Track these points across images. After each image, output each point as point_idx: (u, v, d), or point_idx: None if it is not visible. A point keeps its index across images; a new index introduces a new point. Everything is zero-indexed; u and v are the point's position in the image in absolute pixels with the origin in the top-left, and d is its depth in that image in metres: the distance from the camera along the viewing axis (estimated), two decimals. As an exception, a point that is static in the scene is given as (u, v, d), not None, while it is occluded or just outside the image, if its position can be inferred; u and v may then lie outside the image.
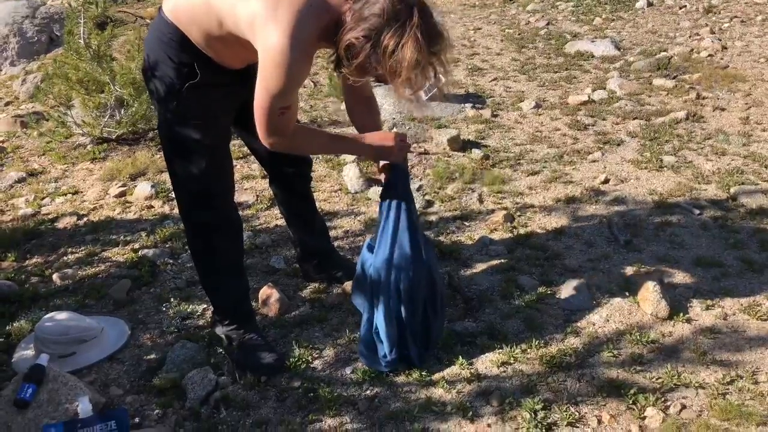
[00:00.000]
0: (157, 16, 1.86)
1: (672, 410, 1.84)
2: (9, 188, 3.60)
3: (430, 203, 3.15)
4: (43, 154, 4.03)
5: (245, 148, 3.72)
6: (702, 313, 2.28)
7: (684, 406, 1.85)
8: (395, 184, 1.98)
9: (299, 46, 1.61)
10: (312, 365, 2.09)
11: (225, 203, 2.04)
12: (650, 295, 2.27)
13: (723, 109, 4.18)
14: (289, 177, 2.33)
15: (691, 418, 1.82)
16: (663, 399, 1.88)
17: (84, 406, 1.77)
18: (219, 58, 1.83)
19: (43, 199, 3.43)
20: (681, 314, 2.25)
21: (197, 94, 1.83)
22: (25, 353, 2.15)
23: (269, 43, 1.61)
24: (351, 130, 2.39)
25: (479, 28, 6.46)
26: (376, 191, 2.03)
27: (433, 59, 1.63)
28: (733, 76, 4.75)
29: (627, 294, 2.39)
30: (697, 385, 1.93)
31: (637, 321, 2.24)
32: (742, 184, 3.18)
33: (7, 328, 2.32)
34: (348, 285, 2.44)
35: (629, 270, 2.55)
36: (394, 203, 1.95)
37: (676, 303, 2.31)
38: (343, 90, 2.14)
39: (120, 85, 3.96)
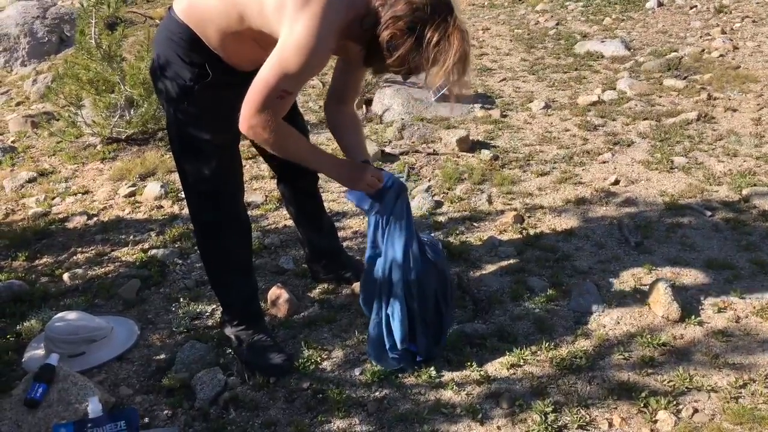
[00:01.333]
0: (167, 16, 1.86)
1: (684, 414, 1.82)
2: (20, 188, 3.62)
3: (439, 204, 3.14)
4: (54, 154, 4.06)
5: (254, 149, 3.74)
6: (714, 316, 2.26)
7: (696, 410, 1.83)
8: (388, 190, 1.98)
9: (326, 35, 1.61)
10: (321, 366, 2.08)
11: (234, 203, 2.04)
12: (661, 297, 2.25)
13: (735, 110, 4.14)
14: (298, 177, 2.32)
15: (704, 421, 1.80)
16: (675, 402, 1.86)
17: (94, 406, 1.77)
18: (230, 59, 1.82)
19: (53, 198, 3.45)
20: (693, 317, 2.23)
21: (207, 94, 1.83)
22: (35, 353, 2.16)
23: (298, 29, 1.60)
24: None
25: (488, 28, 6.44)
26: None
27: (470, 50, 1.66)
28: (745, 76, 4.71)
29: (638, 296, 2.37)
30: (709, 388, 1.91)
31: (648, 323, 2.22)
32: (755, 185, 3.15)
33: (18, 327, 2.34)
34: (357, 286, 2.44)
35: (640, 272, 2.53)
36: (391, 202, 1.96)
37: (688, 305, 2.29)
38: (327, 108, 2.09)
39: (130, 85, 3.98)
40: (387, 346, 2.01)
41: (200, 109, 1.86)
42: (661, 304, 2.24)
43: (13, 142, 4.35)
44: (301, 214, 2.44)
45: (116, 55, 4.02)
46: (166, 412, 1.91)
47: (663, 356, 2.06)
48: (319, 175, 2.44)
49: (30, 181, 3.69)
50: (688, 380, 1.94)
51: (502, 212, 3.03)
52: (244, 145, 3.80)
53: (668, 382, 1.94)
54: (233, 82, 1.85)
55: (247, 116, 1.68)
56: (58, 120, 4.40)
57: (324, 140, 3.73)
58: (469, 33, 1.68)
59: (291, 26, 1.61)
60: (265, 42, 1.73)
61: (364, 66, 1.79)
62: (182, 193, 3.36)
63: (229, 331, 2.15)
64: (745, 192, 3.09)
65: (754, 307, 2.29)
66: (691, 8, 6.62)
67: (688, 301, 2.32)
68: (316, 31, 1.59)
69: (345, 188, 2.09)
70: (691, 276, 2.50)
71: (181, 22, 1.79)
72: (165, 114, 2.01)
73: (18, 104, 5.27)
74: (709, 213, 2.94)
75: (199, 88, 1.82)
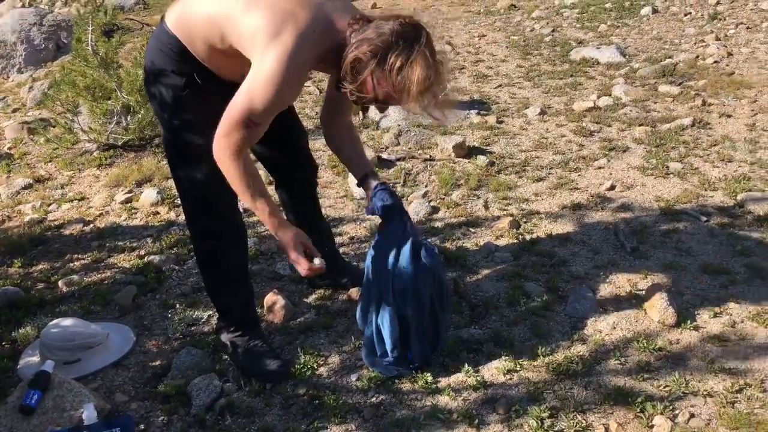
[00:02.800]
0: (159, 26, 1.89)
1: (680, 419, 1.82)
2: (16, 194, 3.62)
3: (435, 209, 3.15)
4: (50, 161, 4.05)
5: (253, 155, 3.73)
6: (710, 321, 2.26)
7: (692, 415, 1.84)
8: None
9: (295, 70, 1.63)
10: (317, 372, 2.08)
11: (229, 209, 2.04)
12: (657, 303, 2.25)
13: (729, 116, 4.16)
14: (296, 182, 2.33)
15: (700, 426, 1.80)
16: (671, 407, 1.86)
17: (89, 413, 1.77)
18: (218, 71, 1.85)
19: (49, 205, 3.45)
20: (688, 322, 2.23)
21: (198, 101, 1.85)
22: (30, 359, 2.16)
23: (267, 59, 1.62)
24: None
25: (484, 35, 6.46)
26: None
27: (440, 80, 1.64)
28: (739, 82, 4.73)
29: (634, 301, 2.38)
30: (705, 393, 1.92)
31: (644, 328, 2.23)
32: (749, 190, 3.16)
33: (13, 334, 2.33)
34: (353, 291, 2.44)
35: (636, 277, 2.53)
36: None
37: (684, 310, 2.30)
38: (324, 120, 2.09)
39: (127, 91, 3.98)
40: (378, 354, 2.02)
41: (191, 115, 1.88)
42: (657, 309, 2.25)
43: (9, 148, 4.34)
44: (298, 218, 2.44)
45: (113, 61, 4.03)
46: (161, 418, 1.91)
47: (659, 361, 2.06)
48: (318, 181, 2.45)
49: (26, 187, 3.69)
50: (684, 385, 1.94)
51: (499, 218, 3.03)
52: (240, 152, 3.80)
53: (664, 387, 1.94)
54: (223, 90, 1.87)
55: (216, 137, 1.71)
56: (54, 127, 4.39)
57: (320, 146, 3.73)
58: (443, 62, 1.66)
59: (261, 58, 1.63)
60: (249, 60, 1.75)
61: (336, 91, 1.77)
62: (178, 199, 3.36)
63: (225, 337, 2.15)
64: (740, 197, 3.10)
65: (750, 312, 2.29)
66: (686, 15, 6.66)
67: (683, 306, 2.33)
68: (284, 66, 1.61)
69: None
70: (686, 281, 2.51)
71: (171, 33, 1.82)
72: (157, 119, 2.03)
73: (14, 111, 5.27)
74: (704, 218, 2.95)
75: (189, 94, 1.84)
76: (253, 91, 1.65)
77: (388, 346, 2.00)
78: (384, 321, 1.99)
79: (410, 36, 1.60)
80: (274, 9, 1.64)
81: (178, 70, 1.83)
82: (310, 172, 2.36)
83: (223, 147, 1.71)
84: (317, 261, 1.84)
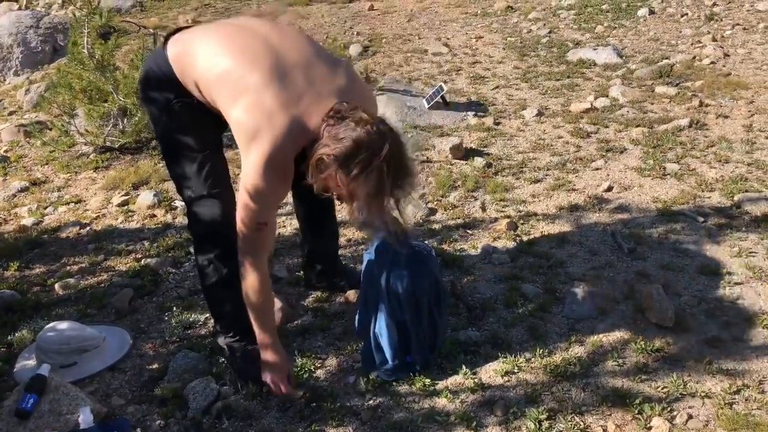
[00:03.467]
0: (160, 50, 1.95)
1: (678, 420, 1.82)
2: (12, 197, 3.60)
3: (432, 211, 3.15)
4: (47, 164, 4.04)
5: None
6: (707, 322, 2.26)
7: (690, 416, 1.84)
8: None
9: (274, 170, 1.71)
10: (315, 375, 2.08)
11: (224, 208, 2.02)
12: (655, 304, 2.25)
13: (726, 117, 4.16)
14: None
15: (698, 427, 1.80)
16: (669, 409, 1.86)
17: (85, 417, 1.76)
18: (205, 104, 1.91)
19: (45, 208, 3.44)
20: (686, 323, 2.23)
21: (188, 112, 1.91)
22: (26, 363, 2.15)
23: (249, 160, 1.71)
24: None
25: (481, 37, 6.46)
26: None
27: (397, 192, 1.70)
28: (736, 83, 4.74)
29: (631, 302, 2.38)
30: (703, 394, 1.92)
31: (642, 329, 2.23)
32: (746, 191, 3.16)
33: (9, 338, 2.32)
34: (351, 294, 2.44)
35: (633, 278, 2.53)
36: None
37: (681, 311, 2.30)
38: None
39: (123, 94, 3.97)
40: (377, 362, 2.02)
41: (181, 121, 1.94)
42: (655, 310, 2.24)
43: (5, 151, 4.32)
44: (310, 213, 2.42)
45: (109, 64, 4.02)
46: (158, 422, 1.90)
47: (657, 362, 2.06)
48: None
49: (22, 190, 3.68)
50: (682, 386, 1.94)
51: (496, 219, 3.03)
52: (237, 154, 3.80)
53: (662, 389, 1.94)
54: (210, 110, 1.90)
55: (240, 254, 1.84)
56: (51, 129, 4.38)
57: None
58: (414, 172, 1.74)
59: (245, 158, 1.73)
60: None
61: (303, 177, 1.78)
62: (175, 202, 3.36)
63: (222, 341, 2.15)
64: (736, 198, 3.10)
65: (747, 314, 2.29)
66: (682, 16, 6.67)
67: (681, 308, 2.33)
68: (265, 172, 1.70)
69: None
70: (684, 282, 2.51)
71: (168, 63, 1.89)
72: (151, 123, 2.07)
73: (11, 114, 5.25)
74: (701, 219, 2.95)
75: (178, 105, 1.91)
76: (245, 197, 1.75)
77: (388, 355, 2.01)
78: (381, 329, 2.00)
79: (374, 145, 1.62)
80: (255, 108, 1.70)
81: (170, 90, 1.91)
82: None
83: (245, 253, 1.84)
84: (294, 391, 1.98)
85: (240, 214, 1.79)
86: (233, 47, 1.82)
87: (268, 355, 1.97)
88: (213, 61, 1.81)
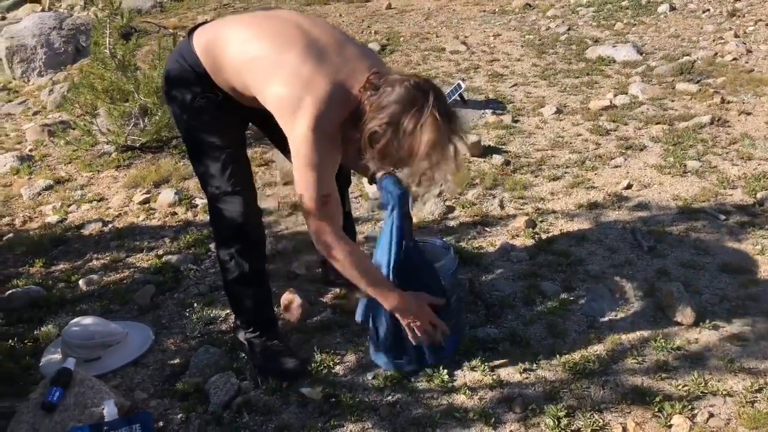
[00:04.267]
0: (186, 42, 1.94)
1: (699, 418, 1.81)
2: (37, 195, 3.67)
3: (450, 209, 3.15)
4: (70, 162, 4.11)
5: (267, 155, 3.77)
6: (728, 320, 2.24)
7: (711, 415, 1.82)
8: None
9: (323, 137, 1.71)
10: (333, 370, 2.09)
11: (246, 205, 2.04)
12: (675, 302, 2.23)
13: (748, 114, 4.11)
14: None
15: (719, 426, 1.79)
16: (690, 407, 1.84)
17: (109, 410, 1.79)
18: (236, 98, 1.92)
19: (69, 206, 3.50)
20: (707, 321, 2.21)
21: (211, 105, 1.91)
22: (52, 357, 2.19)
23: (296, 132, 1.71)
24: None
25: (499, 35, 6.44)
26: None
27: (453, 136, 1.71)
28: (759, 80, 4.67)
29: (651, 300, 2.36)
30: (724, 393, 1.90)
31: (662, 327, 2.21)
32: (769, 188, 3.12)
33: (35, 332, 2.37)
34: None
35: (653, 276, 2.51)
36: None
37: (702, 309, 2.28)
38: None
39: (144, 93, 4.03)
40: (373, 353, 2.05)
41: (206, 117, 1.94)
42: (675, 308, 2.23)
43: (30, 150, 4.41)
44: None
45: (130, 64, 4.08)
46: (180, 416, 1.93)
47: (677, 360, 2.05)
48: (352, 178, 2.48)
49: (47, 188, 3.74)
50: (703, 385, 1.92)
51: (514, 217, 3.02)
52: (257, 152, 3.84)
53: (683, 387, 1.93)
54: (237, 106, 1.92)
55: (313, 227, 1.83)
56: (74, 129, 4.45)
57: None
58: (459, 115, 1.75)
59: (291, 132, 1.73)
60: None
61: (360, 158, 1.81)
62: (196, 200, 3.40)
63: (243, 336, 2.17)
64: (759, 195, 3.06)
65: (770, 311, 2.26)
66: (704, 12, 6.59)
67: (702, 306, 2.31)
68: (312, 139, 1.70)
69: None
70: (705, 280, 2.48)
71: (195, 55, 1.88)
72: (174, 120, 2.08)
73: (35, 114, 5.34)
74: (723, 217, 2.92)
75: (204, 101, 1.91)
76: (301, 171, 1.75)
77: (383, 349, 2.04)
78: (380, 323, 2.02)
79: (419, 98, 1.66)
80: (294, 78, 1.71)
81: (196, 85, 1.90)
82: (342, 177, 2.34)
83: (317, 229, 1.82)
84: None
85: (302, 192, 1.77)
86: (265, 32, 1.84)
87: (395, 302, 1.89)
88: (245, 46, 1.82)
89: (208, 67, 1.86)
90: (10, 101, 5.80)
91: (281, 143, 1.90)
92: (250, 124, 2.18)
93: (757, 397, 1.88)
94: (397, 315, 1.92)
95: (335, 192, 1.83)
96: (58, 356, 2.17)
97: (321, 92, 1.70)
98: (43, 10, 9.00)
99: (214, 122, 1.94)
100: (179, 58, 1.93)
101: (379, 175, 2.06)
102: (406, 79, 1.68)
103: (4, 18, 9.86)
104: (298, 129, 1.70)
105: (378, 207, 2.10)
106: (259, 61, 1.79)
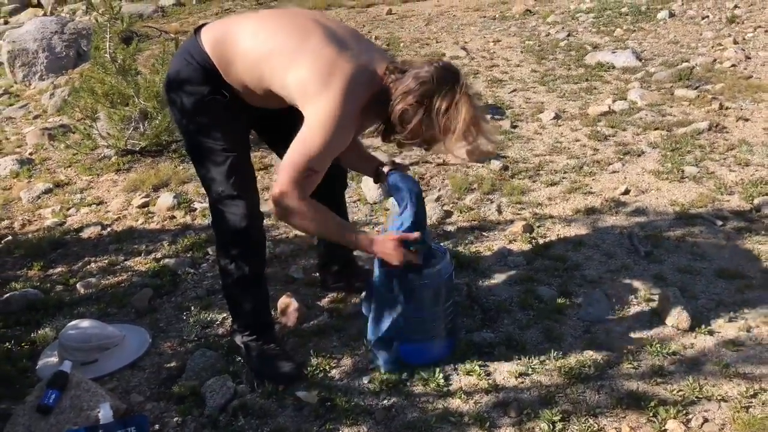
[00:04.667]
0: (192, 40, 1.93)
1: (694, 423, 1.81)
2: (36, 199, 3.68)
3: (448, 213, 3.16)
4: (70, 166, 4.12)
5: (266, 160, 3.78)
6: (724, 325, 2.24)
7: (706, 419, 1.82)
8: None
9: (348, 116, 1.71)
10: (329, 374, 2.10)
11: (249, 210, 2.04)
12: (671, 307, 2.24)
13: (746, 120, 4.12)
14: (324, 184, 2.33)
15: (714, 431, 1.79)
16: (684, 412, 1.85)
17: (105, 413, 1.79)
18: (243, 95, 1.91)
19: (68, 209, 3.51)
20: (703, 326, 2.22)
21: (219, 107, 1.89)
22: (49, 360, 2.20)
23: (319, 110, 1.70)
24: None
25: (499, 40, 6.46)
26: (394, 202, 2.07)
27: (484, 113, 1.73)
28: (757, 86, 4.69)
29: (647, 305, 2.36)
30: (719, 398, 1.90)
31: (658, 332, 2.21)
32: (766, 194, 3.12)
33: (33, 335, 2.38)
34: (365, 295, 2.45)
35: (650, 281, 2.52)
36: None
37: (698, 315, 2.28)
38: None
39: (144, 98, 4.04)
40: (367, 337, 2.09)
41: (210, 119, 1.93)
42: (671, 313, 2.23)
43: (30, 154, 4.42)
44: None
45: (131, 68, 4.10)
46: (176, 419, 1.93)
47: (673, 365, 2.05)
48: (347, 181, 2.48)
49: (46, 192, 3.75)
50: (698, 390, 1.93)
51: (512, 222, 3.03)
52: (256, 156, 3.85)
53: (678, 392, 1.93)
54: (243, 107, 1.92)
55: (276, 190, 1.77)
56: (74, 132, 4.47)
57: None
58: (479, 94, 1.79)
59: (314, 108, 1.71)
60: (282, 99, 1.84)
61: (383, 141, 1.88)
62: (194, 203, 3.41)
63: (239, 339, 2.17)
64: (756, 201, 3.07)
65: (765, 317, 2.27)
66: (703, 18, 6.61)
67: (698, 311, 2.31)
68: (338, 114, 1.69)
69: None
70: (701, 285, 2.49)
71: (204, 52, 1.87)
72: (176, 124, 2.07)
73: (36, 117, 5.36)
74: (719, 222, 2.92)
75: (210, 103, 1.89)
76: (309, 141, 1.73)
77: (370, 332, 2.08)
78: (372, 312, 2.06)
79: (449, 78, 1.70)
80: (319, 60, 1.72)
81: (204, 83, 1.88)
82: (341, 171, 2.33)
83: (283, 196, 1.77)
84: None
85: (294, 156, 1.74)
86: (280, 25, 1.84)
87: (378, 248, 1.91)
88: (261, 38, 1.82)
89: (217, 62, 1.85)
90: (11, 105, 5.82)
91: (281, 148, 1.90)
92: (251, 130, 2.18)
93: (752, 402, 1.88)
94: (378, 256, 1.94)
95: (321, 174, 1.81)
96: (54, 359, 2.18)
97: (347, 71, 1.70)
98: (45, 15, 9.04)
99: (219, 125, 1.93)
100: (186, 56, 1.91)
101: (385, 169, 2.06)
102: (434, 60, 1.72)
103: (6, 22, 9.90)
104: (322, 104, 1.69)
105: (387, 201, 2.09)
106: (278, 50, 1.78)
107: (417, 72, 1.71)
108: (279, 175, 1.78)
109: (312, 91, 1.71)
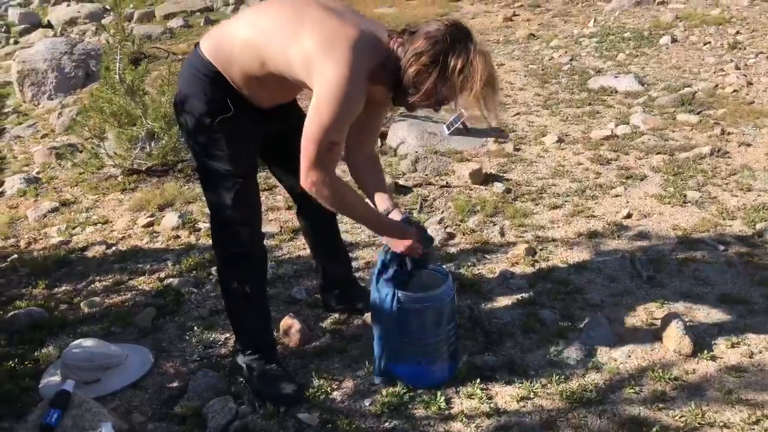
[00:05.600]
0: (193, 53, 1.94)
1: (696, 450, 1.80)
2: (42, 217, 3.72)
3: (451, 236, 3.17)
4: (76, 185, 4.16)
5: (270, 180, 3.80)
6: (727, 351, 2.24)
7: (708, 446, 1.81)
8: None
9: (356, 78, 1.67)
10: (331, 396, 2.10)
11: (253, 233, 2.08)
12: (673, 332, 2.24)
13: (748, 145, 4.14)
14: (318, 208, 2.36)
15: (716, 458, 1.78)
16: (686, 438, 1.84)
17: (107, 432, 1.80)
18: (251, 97, 1.91)
19: (74, 228, 3.53)
20: (705, 351, 2.21)
21: (227, 127, 1.90)
22: (52, 379, 2.20)
23: (328, 76, 1.66)
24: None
25: (502, 64, 6.53)
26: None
27: (495, 71, 1.71)
28: (759, 111, 4.71)
29: (650, 330, 2.36)
30: (721, 424, 1.89)
31: (660, 357, 2.21)
32: (769, 220, 3.13)
33: (36, 354, 2.39)
34: (368, 317, 2.46)
35: (652, 306, 2.52)
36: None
37: (700, 340, 2.28)
38: (347, 150, 2.07)
39: (152, 118, 4.10)
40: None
41: (220, 142, 1.93)
42: (673, 338, 2.23)
43: (38, 173, 4.47)
44: (317, 243, 2.48)
45: (139, 89, 4.15)
46: (177, 439, 1.93)
47: (675, 391, 2.04)
48: None
49: (52, 210, 3.79)
50: (700, 416, 1.92)
51: (514, 244, 3.04)
52: (261, 177, 3.88)
53: (680, 418, 1.93)
54: (253, 119, 1.93)
55: (306, 173, 1.77)
56: (81, 152, 4.52)
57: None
58: (491, 54, 1.73)
59: (321, 78, 1.68)
60: (286, 84, 1.83)
61: (394, 105, 1.85)
62: (199, 223, 3.43)
63: (242, 359, 2.18)
64: (758, 226, 3.08)
65: (768, 343, 2.26)
66: (705, 44, 6.66)
67: (700, 336, 2.31)
68: (346, 78, 1.65)
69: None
70: (703, 310, 2.49)
71: (206, 60, 1.87)
72: (187, 146, 2.09)
73: (43, 136, 5.43)
74: (722, 247, 2.93)
75: (219, 122, 1.89)
76: (321, 113, 1.69)
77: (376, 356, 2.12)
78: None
79: (462, 36, 1.66)
80: (321, 30, 1.70)
81: (211, 96, 1.88)
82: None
83: (318, 180, 1.77)
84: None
85: (311, 133, 1.71)
86: (276, 9, 1.83)
87: (394, 235, 2.00)
88: (258, 24, 1.81)
89: (219, 64, 1.84)
90: (19, 124, 5.89)
91: (286, 168, 1.92)
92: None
93: (754, 429, 1.87)
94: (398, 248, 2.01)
95: (343, 142, 1.80)
96: (57, 378, 2.18)
97: (350, 36, 1.67)
98: (55, 35, 9.17)
99: (229, 149, 1.93)
100: (192, 70, 1.92)
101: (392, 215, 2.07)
102: (442, 21, 1.69)
103: (16, 42, 10.05)
104: (330, 71, 1.65)
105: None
106: (278, 29, 1.76)
107: (428, 32, 1.66)
108: (302, 156, 1.74)
109: (316, 60, 1.67)
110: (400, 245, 2.00)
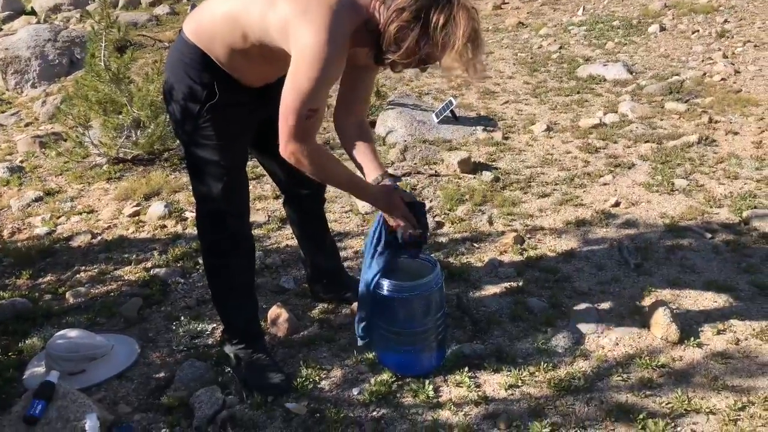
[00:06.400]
0: (178, 38, 1.91)
1: (682, 436, 1.81)
2: (26, 207, 3.67)
3: (440, 225, 3.16)
4: (60, 174, 4.11)
5: (258, 169, 3.78)
6: (713, 338, 2.25)
7: (694, 432, 1.83)
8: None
9: (335, 41, 1.61)
10: (319, 385, 2.09)
11: (240, 223, 2.06)
12: (660, 319, 2.25)
13: (736, 133, 4.16)
14: (304, 198, 2.35)
15: (702, 444, 1.79)
16: (673, 424, 1.85)
17: (92, 423, 1.78)
18: (239, 76, 1.86)
19: (58, 218, 3.49)
20: (692, 338, 2.23)
21: (216, 116, 1.87)
22: (36, 370, 2.18)
23: (304, 40, 1.61)
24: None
25: (491, 52, 6.51)
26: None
27: (480, 27, 1.64)
28: (746, 100, 4.73)
29: (637, 317, 2.37)
30: (708, 410, 1.91)
31: (647, 345, 2.22)
32: (755, 207, 3.15)
33: (20, 345, 2.36)
34: (356, 305, 2.45)
35: (639, 293, 2.53)
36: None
37: (687, 327, 2.29)
38: (336, 122, 2.05)
39: (137, 106, 4.04)
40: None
41: (208, 131, 1.90)
42: (660, 325, 2.24)
43: (21, 162, 4.41)
44: (304, 233, 2.47)
45: (125, 77, 4.10)
46: (164, 430, 1.92)
47: (662, 378, 2.05)
48: (325, 195, 2.45)
49: (36, 200, 3.74)
50: (686, 402, 1.93)
51: (503, 233, 3.04)
52: (249, 166, 3.85)
53: (667, 404, 1.94)
54: (241, 101, 1.90)
55: (285, 143, 1.71)
56: (65, 140, 4.46)
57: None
58: (478, 10, 1.66)
59: (297, 43, 1.63)
60: (272, 57, 1.76)
61: (376, 65, 1.77)
62: (185, 213, 3.40)
63: (229, 349, 2.17)
64: (745, 214, 3.09)
65: (754, 330, 2.28)
66: (693, 33, 6.68)
67: (687, 323, 2.32)
68: (324, 41, 1.59)
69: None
70: (690, 298, 2.50)
71: (190, 43, 1.84)
72: (175, 135, 2.06)
73: (27, 125, 5.35)
74: (709, 235, 2.94)
75: (207, 109, 1.86)
76: (298, 80, 1.64)
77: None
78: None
79: None
80: None
81: (199, 81, 1.84)
82: (319, 188, 2.36)
83: (298, 149, 1.72)
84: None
85: (289, 101, 1.66)
86: None
87: (382, 201, 1.95)
88: None
89: (203, 44, 1.81)
90: (2, 112, 5.81)
91: (271, 156, 1.89)
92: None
93: (740, 415, 1.88)
94: (381, 211, 1.97)
95: (323, 109, 1.75)
96: (41, 369, 2.16)
97: (329, 0, 1.61)
98: (38, 22, 9.02)
99: (218, 138, 1.90)
100: (174, 52, 1.88)
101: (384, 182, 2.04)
102: None
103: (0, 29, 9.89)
104: (306, 35, 1.60)
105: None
106: None
107: None
108: (280, 125, 1.70)
109: (292, 24, 1.62)
110: (395, 211, 1.93)
